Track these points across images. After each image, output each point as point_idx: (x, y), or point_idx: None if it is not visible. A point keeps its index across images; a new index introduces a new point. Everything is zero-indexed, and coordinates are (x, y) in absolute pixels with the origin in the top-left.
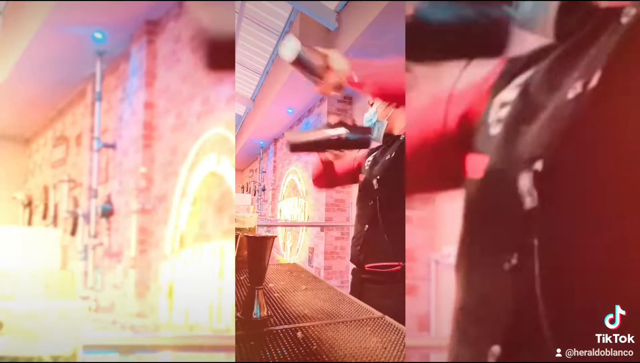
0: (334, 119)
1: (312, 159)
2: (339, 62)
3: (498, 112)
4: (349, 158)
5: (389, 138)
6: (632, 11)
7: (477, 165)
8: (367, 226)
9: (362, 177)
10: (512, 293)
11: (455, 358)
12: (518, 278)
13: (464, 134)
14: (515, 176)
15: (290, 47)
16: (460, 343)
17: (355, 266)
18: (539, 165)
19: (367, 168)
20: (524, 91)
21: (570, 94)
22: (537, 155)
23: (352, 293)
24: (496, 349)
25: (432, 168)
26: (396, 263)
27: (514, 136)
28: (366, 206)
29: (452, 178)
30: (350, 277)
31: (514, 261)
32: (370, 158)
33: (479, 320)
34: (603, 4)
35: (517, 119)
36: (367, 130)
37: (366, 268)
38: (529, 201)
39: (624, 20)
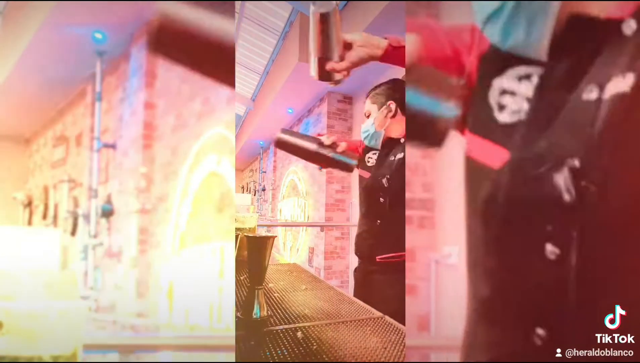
0: (330, 140)
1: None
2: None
3: (499, 98)
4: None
5: (390, 142)
6: (633, 24)
7: (492, 154)
8: (379, 221)
9: (365, 173)
10: (552, 281)
11: (484, 345)
12: (557, 267)
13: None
14: (550, 171)
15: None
16: (490, 330)
17: (360, 261)
18: (576, 163)
19: (368, 164)
20: (540, 89)
21: (587, 97)
22: (574, 153)
23: (358, 287)
24: (540, 331)
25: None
26: (402, 253)
27: (537, 132)
28: (376, 202)
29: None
30: (352, 274)
31: (555, 250)
32: (372, 155)
33: (517, 305)
34: (603, 16)
35: (538, 116)
36: (355, 157)
37: (377, 260)
38: (567, 196)
39: (628, 32)
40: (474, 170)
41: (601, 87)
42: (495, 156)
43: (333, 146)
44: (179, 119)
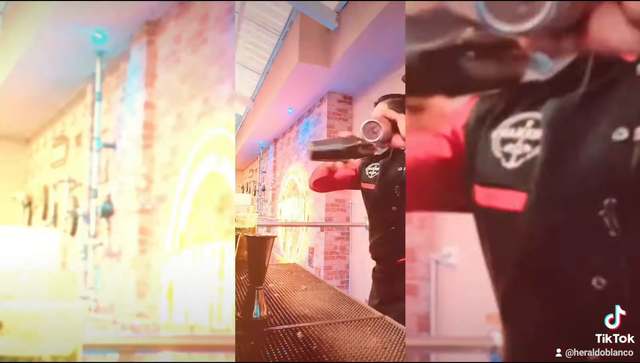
0: (346, 134)
1: (314, 163)
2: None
3: (501, 148)
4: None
5: (396, 152)
6: None
7: (510, 199)
8: (393, 227)
9: (369, 186)
10: (600, 310)
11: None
12: (605, 297)
13: (458, 163)
14: (587, 208)
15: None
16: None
17: (378, 264)
18: (613, 200)
19: (370, 176)
20: (549, 131)
21: (617, 138)
22: (611, 192)
23: (379, 285)
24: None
25: (431, 189)
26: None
27: (556, 172)
28: (388, 211)
29: (452, 203)
30: (371, 275)
31: (602, 281)
32: (373, 169)
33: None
34: (629, 57)
35: (554, 157)
36: (372, 146)
37: (398, 262)
38: (612, 231)
39: None
40: (495, 217)
41: (631, 129)
42: (515, 200)
43: (352, 138)
44: (179, 119)
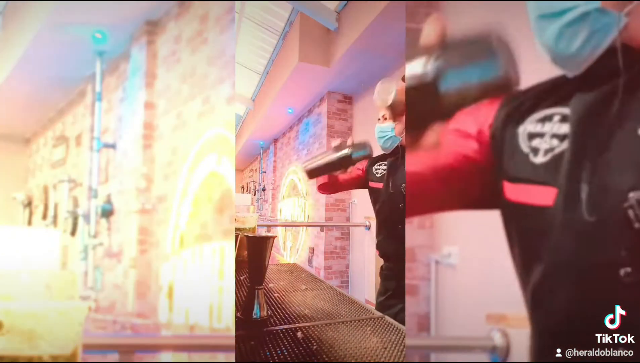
0: (336, 142)
1: None
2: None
3: (529, 142)
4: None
5: (403, 150)
6: None
7: (542, 194)
8: (400, 225)
9: (377, 184)
10: (627, 298)
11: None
12: (632, 285)
13: (483, 160)
14: (614, 201)
15: (391, 91)
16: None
17: (387, 262)
18: (638, 193)
19: (378, 175)
20: (577, 125)
21: None
22: (635, 185)
23: (386, 281)
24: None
25: (450, 188)
26: None
27: (585, 167)
28: (396, 209)
29: (475, 198)
30: (379, 272)
31: (629, 270)
32: (379, 167)
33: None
34: None
35: (582, 152)
36: (365, 145)
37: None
38: (636, 223)
39: None
40: (525, 213)
41: None
42: (545, 195)
43: (342, 144)
44: (179, 119)
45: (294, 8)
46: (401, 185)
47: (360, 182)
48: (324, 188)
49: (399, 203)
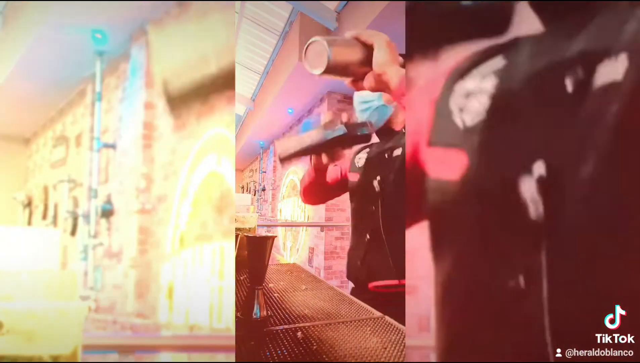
0: (328, 117)
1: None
2: (382, 56)
3: (460, 101)
4: (336, 167)
5: (388, 132)
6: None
7: (452, 164)
8: (368, 235)
9: (354, 176)
10: (518, 317)
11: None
12: (524, 301)
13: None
14: (514, 181)
15: (320, 58)
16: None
17: (353, 288)
18: (541, 170)
19: (358, 165)
20: (502, 82)
21: (570, 90)
22: (540, 158)
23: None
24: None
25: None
26: (402, 281)
27: (502, 134)
28: (366, 212)
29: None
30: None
31: (520, 281)
32: (363, 154)
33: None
34: None
35: (502, 114)
36: (365, 124)
37: (370, 288)
38: (533, 211)
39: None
40: (436, 190)
41: (588, 71)
42: (455, 166)
43: (334, 121)
44: (179, 119)
45: (294, 8)
46: (375, 178)
47: (347, 184)
48: (308, 193)
49: (370, 204)
